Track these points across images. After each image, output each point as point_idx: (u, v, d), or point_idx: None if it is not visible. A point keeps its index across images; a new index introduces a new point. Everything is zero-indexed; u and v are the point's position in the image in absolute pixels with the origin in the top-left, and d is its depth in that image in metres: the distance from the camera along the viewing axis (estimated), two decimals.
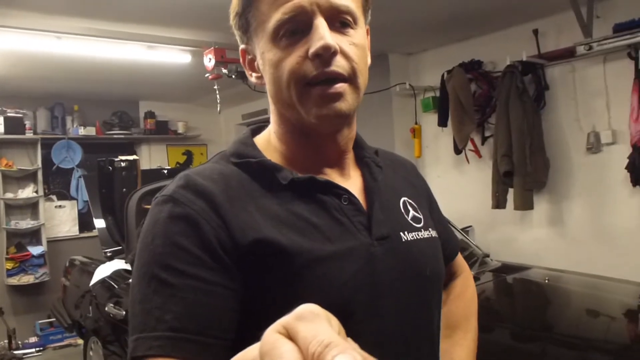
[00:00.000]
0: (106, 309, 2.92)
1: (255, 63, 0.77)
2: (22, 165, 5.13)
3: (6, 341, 4.81)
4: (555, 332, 2.01)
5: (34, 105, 5.28)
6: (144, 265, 0.66)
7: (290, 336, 0.30)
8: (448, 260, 0.94)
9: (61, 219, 5.43)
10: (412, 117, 4.38)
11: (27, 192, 5.12)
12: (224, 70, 3.72)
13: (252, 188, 0.72)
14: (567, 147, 3.53)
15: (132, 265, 2.75)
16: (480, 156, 3.98)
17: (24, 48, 3.48)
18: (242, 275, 0.66)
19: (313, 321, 0.30)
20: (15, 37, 3.26)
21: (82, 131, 5.40)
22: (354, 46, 0.71)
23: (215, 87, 3.94)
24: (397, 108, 4.39)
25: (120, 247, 3.48)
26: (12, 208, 5.16)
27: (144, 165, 5.35)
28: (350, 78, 0.70)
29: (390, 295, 0.74)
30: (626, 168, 3.13)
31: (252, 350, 0.32)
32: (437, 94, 4.10)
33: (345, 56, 0.70)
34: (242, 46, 0.79)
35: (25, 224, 5.12)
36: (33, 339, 4.96)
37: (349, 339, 0.31)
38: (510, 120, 3.46)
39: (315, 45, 0.67)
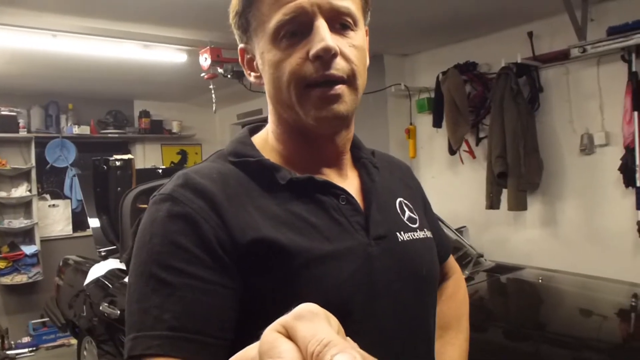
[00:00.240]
0: (100, 308, 2.91)
1: (255, 63, 0.77)
2: (15, 164, 5.10)
3: None
4: (548, 331, 2.02)
5: (28, 104, 5.25)
6: (141, 263, 0.66)
7: (289, 335, 0.30)
8: (440, 262, 0.94)
9: (55, 218, 5.40)
10: (407, 117, 4.39)
11: (20, 191, 5.09)
12: (220, 70, 3.72)
13: (251, 187, 0.72)
14: (560, 149, 3.55)
15: (126, 265, 2.75)
16: (474, 157, 4.00)
17: (19, 46, 3.46)
18: (241, 274, 0.66)
19: (312, 320, 0.30)
20: (10, 35, 3.24)
21: (76, 130, 5.37)
22: (353, 48, 0.71)
23: (211, 86, 3.93)
24: (392, 109, 4.40)
25: (114, 247, 3.46)
26: (5, 207, 5.13)
27: (138, 164, 5.32)
28: (350, 80, 0.71)
29: (387, 294, 0.74)
30: (619, 169, 3.15)
31: (251, 349, 0.32)
32: (432, 95, 4.11)
33: (345, 58, 0.70)
34: (241, 45, 0.79)
35: (19, 223, 5.09)
36: (26, 339, 4.93)
37: (348, 338, 0.31)
38: (504, 121, 3.48)
39: (316, 47, 0.67)
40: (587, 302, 2.33)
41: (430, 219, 0.93)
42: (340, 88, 0.70)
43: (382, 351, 0.72)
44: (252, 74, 0.79)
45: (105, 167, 3.66)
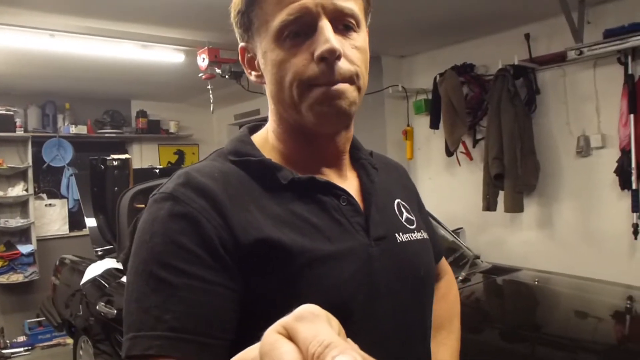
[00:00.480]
0: (97, 307, 2.91)
1: (256, 62, 0.77)
2: (12, 163, 5.09)
3: None
4: (544, 333, 2.03)
5: (25, 103, 5.24)
6: (141, 262, 0.65)
7: (290, 336, 0.30)
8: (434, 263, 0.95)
9: (51, 218, 5.39)
10: (405, 119, 4.40)
11: (17, 190, 5.08)
12: (218, 70, 3.72)
13: (252, 187, 0.72)
14: (557, 151, 3.56)
15: (123, 264, 2.75)
16: (471, 159, 4.00)
17: (17, 45, 3.45)
18: (242, 275, 0.66)
19: (313, 321, 0.30)
20: (7, 34, 3.24)
21: (73, 129, 5.35)
22: (356, 50, 0.71)
23: (209, 87, 3.93)
24: (390, 110, 4.40)
25: (111, 246, 3.46)
26: (2, 206, 5.12)
27: (135, 164, 5.31)
28: (353, 81, 0.71)
29: (387, 295, 0.75)
30: (615, 172, 3.16)
31: (252, 350, 0.32)
32: (430, 96, 4.12)
33: (349, 60, 0.70)
34: (241, 44, 0.78)
35: (15, 222, 5.07)
36: (21, 338, 4.91)
37: (349, 340, 0.31)
38: (501, 123, 3.49)
39: (320, 48, 0.67)
40: (583, 304, 2.34)
41: (424, 220, 0.93)
42: (343, 86, 0.70)
43: (382, 351, 0.72)
44: (253, 72, 0.79)
45: (103, 166, 3.66)
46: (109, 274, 3.15)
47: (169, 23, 3.33)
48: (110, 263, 3.26)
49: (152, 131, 5.95)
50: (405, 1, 3.10)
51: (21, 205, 5.24)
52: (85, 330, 3.22)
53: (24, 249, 5.02)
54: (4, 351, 4.73)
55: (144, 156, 6.02)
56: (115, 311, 2.71)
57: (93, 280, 3.18)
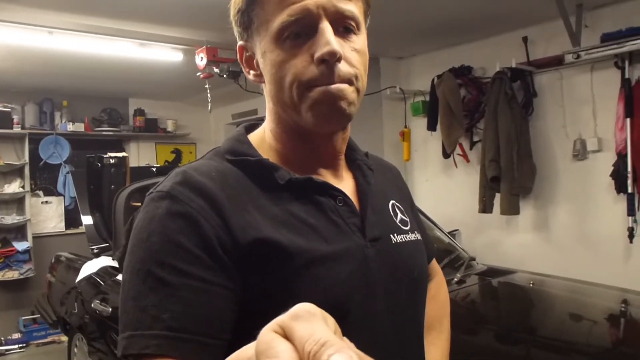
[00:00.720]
0: (92, 305, 2.90)
1: (254, 61, 0.77)
2: (9, 159, 5.07)
3: None
4: (539, 335, 2.03)
5: (23, 100, 5.23)
6: (138, 261, 0.65)
7: (286, 335, 0.30)
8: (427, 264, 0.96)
9: (47, 215, 5.37)
10: (402, 120, 4.41)
11: (13, 187, 5.06)
12: (216, 70, 3.71)
13: (250, 187, 0.72)
14: (553, 154, 3.57)
15: (119, 262, 2.74)
16: (468, 161, 4.01)
17: (15, 42, 3.45)
18: (240, 275, 0.66)
19: (309, 320, 0.30)
20: (6, 31, 3.23)
21: (70, 127, 5.35)
22: (355, 52, 0.72)
23: (207, 86, 3.93)
24: (387, 111, 4.41)
25: (107, 244, 3.45)
26: None
27: (132, 162, 5.30)
28: (352, 82, 0.71)
29: (382, 295, 0.75)
30: (611, 175, 3.18)
31: (248, 349, 0.32)
32: (427, 98, 4.13)
33: (348, 62, 0.70)
34: (240, 42, 0.78)
35: (11, 219, 5.06)
36: (16, 335, 4.90)
37: (345, 338, 0.31)
38: (498, 126, 3.50)
39: (321, 50, 0.67)
40: (578, 306, 2.34)
41: (417, 221, 0.94)
42: (342, 86, 0.70)
43: (377, 351, 0.72)
44: (251, 71, 0.78)
45: (99, 164, 3.64)
46: (104, 271, 3.15)
47: (168, 22, 3.32)
48: (105, 261, 3.25)
49: (149, 130, 5.94)
50: (403, 3, 3.11)
51: (17, 202, 5.23)
52: (80, 328, 3.22)
53: (20, 246, 5.01)
54: None
55: (141, 155, 6.01)
56: (110, 309, 2.71)
57: (88, 278, 3.17)
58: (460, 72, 3.90)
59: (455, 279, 2.42)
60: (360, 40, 0.73)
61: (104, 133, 5.64)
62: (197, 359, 0.61)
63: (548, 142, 3.59)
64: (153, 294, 0.62)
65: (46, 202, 5.39)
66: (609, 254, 3.27)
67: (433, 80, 3.97)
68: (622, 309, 2.29)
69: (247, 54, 0.78)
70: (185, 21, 3.30)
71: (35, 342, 4.90)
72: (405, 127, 4.39)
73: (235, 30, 0.78)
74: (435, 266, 1.05)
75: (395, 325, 0.77)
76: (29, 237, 5.09)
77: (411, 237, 0.84)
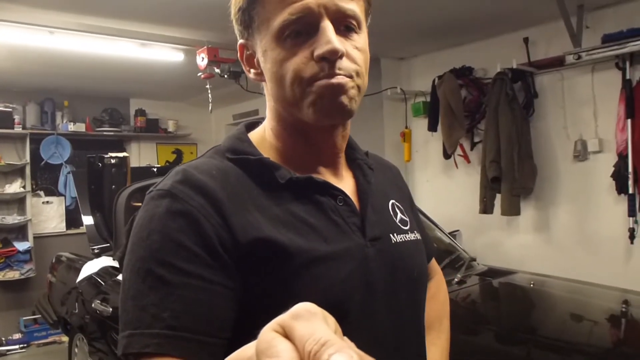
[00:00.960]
0: (92, 305, 2.91)
1: (255, 59, 0.77)
2: (10, 159, 5.08)
3: None
4: (540, 336, 2.03)
5: (24, 100, 5.24)
6: (138, 260, 0.65)
7: (286, 335, 0.30)
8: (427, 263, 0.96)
9: (48, 215, 5.38)
10: (403, 121, 4.40)
11: (14, 187, 5.07)
12: (217, 70, 3.71)
13: (250, 186, 0.72)
14: (554, 155, 3.57)
15: (120, 262, 2.75)
16: (469, 161, 4.01)
17: (16, 42, 3.45)
18: (240, 274, 0.66)
19: (309, 320, 0.30)
20: (7, 31, 3.24)
21: (71, 127, 5.35)
22: (357, 50, 0.72)
23: (207, 86, 3.93)
24: (388, 112, 4.41)
25: (108, 244, 3.46)
26: None
27: (133, 163, 5.32)
28: (353, 78, 0.71)
29: (382, 295, 0.75)
30: (612, 176, 3.17)
31: (249, 348, 0.32)
32: (428, 99, 4.12)
33: (350, 59, 0.70)
34: (241, 41, 0.78)
35: (12, 219, 5.07)
36: (17, 336, 4.90)
37: (345, 338, 0.31)
38: (499, 126, 3.50)
39: (322, 49, 0.67)
40: (579, 307, 2.34)
41: (416, 221, 0.94)
42: (343, 79, 0.69)
43: (378, 350, 0.72)
44: (252, 70, 0.78)
45: (100, 164, 3.65)
46: (105, 272, 3.15)
47: (169, 22, 3.33)
48: (106, 261, 3.26)
49: (150, 130, 5.94)
50: (404, 4, 3.11)
51: (18, 202, 5.23)
52: (80, 328, 3.22)
53: (21, 246, 5.01)
54: None
55: (142, 155, 6.01)
56: (111, 309, 2.71)
57: (89, 278, 3.17)
58: (461, 72, 3.89)
59: (456, 280, 2.42)
60: (361, 39, 0.73)
61: (105, 133, 5.65)
62: (197, 357, 0.61)
63: (549, 142, 3.59)
64: (153, 292, 0.62)
65: (47, 202, 5.39)
66: (610, 255, 3.27)
67: (434, 80, 3.97)
68: (623, 309, 2.29)
69: (248, 52, 0.78)
70: (186, 21, 3.31)
71: (36, 342, 4.90)
72: (406, 127, 4.39)
73: (236, 29, 0.78)
74: (434, 266, 1.05)
75: (395, 324, 0.77)
76: (30, 237, 5.09)
77: (411, 236, 0.84)
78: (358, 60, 0.71)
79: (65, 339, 4.28)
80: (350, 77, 0.70)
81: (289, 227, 0.70)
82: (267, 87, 0.76)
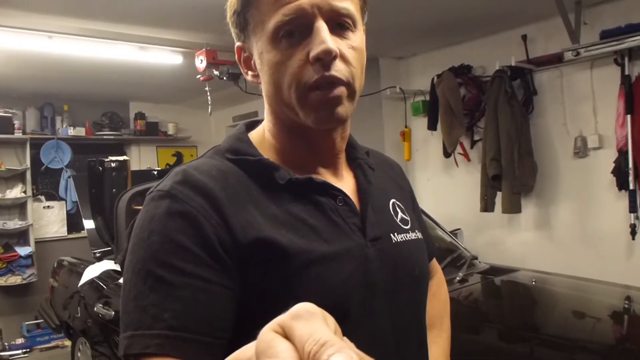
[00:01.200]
0: (95, 309, 2.91)
1: (252, 61, 0.77)
2: (10, 165, 5.08)
3: None
4: (542, 333, 2.03)
5: (23, 105, 5.24)
6: (139, 261, 0.65)
7: (286, 335, 0.30)
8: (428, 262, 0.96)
9: (49, 220, 5.38)
10: (402, 120, 4.40)
11: (15, 192, 5.07)
12: (216, 72, 3.72)
13: (250, 186, 0.72)
14: (554, 152, 3.57)
15: (121, 266, 2.75)
16: (469, 160, 4.01)
17: (15, 47, 3.45)
18: (240, 274, 0.66)
19: (309, 320, 0.30)
20: (6, 36, 3.24)
21: (71, 131, 5.36)
22: (352, 50, 0.71)
23: (207, 88, 3.93)
24: (387, 111, 4.41)
25: (109, 248, 3.46)
26: (0, 208, 5.12)
27: (134, 166, 5.33)
28: (349, 82, 0.71)
29: (383, 295, 0.75)
30: (612, 172, 3.17)
31: (248, 349, 0.32)
32: (427, 97, 4.12)
33: (344, 60, 0.70)
34: (238, 43, 0.78)
35: (13, 224, 5.07)
36: (20, 341, 4.91)
37: (345, 338, 0.31)
38: (499, 124, 3.50)
39: (316, 49, 0.67)
40: (581, 304, 2.34)
41: (417, 219, 0.93)
42: (339, 90, 0.70)
43: (378, 350, 0.72)
44: (250, 72, 0.79)
45: (101, 168, 3.65)
46: (106, 275, 3.15)
47: (167, 25, 3.33)
48: (108, 265, 3.26)
49: (150, 133, 5.95)
50: (402, 3, 3.11)
51: (19, 207, 5.24)
52: (83, 332, 3.22)
53: (22, 251, 5.01)
54: (2, 353, 4.72)
55: (142, 158, 6.01)
56: (113, 313, 2.71)
57: (91, 282, 3.17)
58: (460, 71, 3.89)
59: (458, 278, 2.42)
60: (357, 37, 0.73)
61: (105, 137, 5.66)
62: (198, 358, 0.61)
63: (549, 140, 3.59)
64: (154, 293, 0.62)
65: (48, 206, 5.39)
66: (611, 251, 3.27)
67: (433, 79, 3.97)
68: (625, 305, 2.29)
69: (245, 54, 0.78)
70: (185, 24, 3.31)
71: (39, 347, 4.91)
72: (406, 127, 4.39)
73: (232, 32, 0.78)
74: (435, 264, 1.05)
75: (396, 324, 0.77)
76: (32, 242, 5.10)
77: (412, 236, 0.84)
78: (353, 60, 0.71)
79: (67, 343, 4.28)
80: (345, 82, 0.70)
81: (288, 227, 0.70)
82: (264, 89, 0.76)
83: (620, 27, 2.99)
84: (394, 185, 0.92)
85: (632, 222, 3.11)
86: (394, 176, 0.95)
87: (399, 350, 0.77)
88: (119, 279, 2.98)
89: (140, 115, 5.89)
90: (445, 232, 2.87)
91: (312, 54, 0.67)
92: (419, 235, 0.87)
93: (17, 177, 5.15)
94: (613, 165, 3.16)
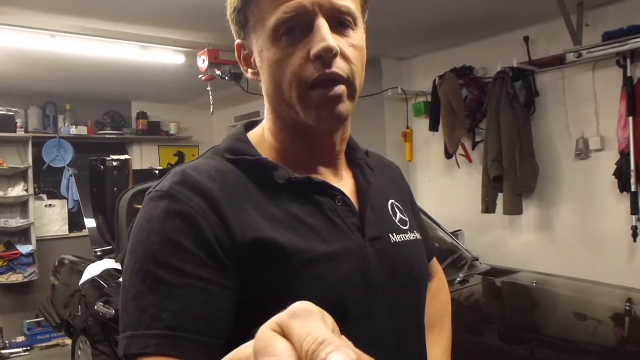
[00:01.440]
0: (95, 307, 2.91)
1: (252, 59, 0.77)
2: (12, 163, 5.09)
3: None
4: (543, 335, 2.03)
5: (26, 104, 5.25)
6: (137, 261, 0.65)
7: (284, 333, 0.30)
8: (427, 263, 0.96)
9: (51, 218, 5.39)
10: (404, 121, 4.40)
11: (17, 191, 5.08)
12: (217, 72, 3.72)
13: (249, 186, 0.72)
14: (556, 153, 3.57)
15: (122, 265, 2.74)
16: (470, 161, 4.01)
17: (17, 45, 3.46)
18: (238, 274, 0.66)
19: (307, 319, 0.30)
20: (8, 35, 3.24)
21: (73, 130, 5.37)
22: (352, 48, 0.71)
23: (208, 88, 3.94)
24: (389, 112, 4.41)
25: (110, 247, 3.46)
26: (2, 206, 5.13)
27: (135, 165, 5.32)
28: (349, 80, 0.70)
29: (381, 295, 0.75)
30: (614, 174, 3.17)
31: (246, 347, 0.32)
32: (429, 98, 4.12)
33: (345, 58, 0.70)
34: (238, 41, 0.78)
35: (15, 222, 5.08)
36: (20, 339, 4.91)
37: (343, 337, 0.31)
38: (500, 125, 3.49)
39: (316, 47, 0.67)
40: (582, 305, 2.34)
41: (416, 220, 0.93)
42: (340, 88, 0.69)
43: (377, 350, 0.72)
44: (249, 70, 0.79)
45: (102, 167, 3.66)
46: (107, 274, 3.15)
47: (169, 24, 3.33)
48: (109, 263, 3.26)
49: (152, 132, 5.96)
50: (404, 3, 3.11)
51: (21, 206, 5.25)
52: (83, 331, 3.22)
53: (24, 249, 5.02)
54: (2, 351, 4.73)
55: (144, 157, 6.02)
56: (114, 311, 2.71)
57: (92, 281, 3.18)
58: (461, 72, 3.89)
59: (458, 279, 2.42)
60: (357, 35, 0.73)
61: (106, 136, 5.66)
62: (197, 357, 0.61)
63: (550, 141, 3.59)
64: (152, 293, 0.62)
65: (49, 205, 5.40)
66: (613, 253, 3.26)
67: (434, 80, 3.97)
68: (627, 307, 2.29)
69: (245, 52, 0.78)
70: (187, 23, 3.31)
71: (40, 345, 4.91)
72: (407, 127, 4.38)
73: (232, 29, 0.78)
74: (436, 265, 1.05)
75: (395, 324, 0.77)
76: (33, 240, 5.10)
77: (410, 236, 0.84)
78: (353, 58, 0.71)
79: (68, 341, 4.28)
80: (346, 80, 0.70)
81: (287, 227, 0.70)
82: (264, 87, 0.76)
83: (622, 28, 2.99)
84: (392, 186, 0.92)
85: (634, 224, 3.10)
86: (393, 177, 0.95)
87: (398, 350, 0.77)
88: (119, 277, 2.97)
89: (142, 115, 5.90)
90: (446, 233, 2.86)
91: (313, 51, 0.67)
92: (418, 235, 0.87)
93: (19, 175, 5.15)
94: (615, 167, 3.16)
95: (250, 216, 0.69)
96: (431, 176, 4.38)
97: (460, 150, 3.95)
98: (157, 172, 4.09)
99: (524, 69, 3.55)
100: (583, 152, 3.38)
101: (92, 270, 3.27)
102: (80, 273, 3.36)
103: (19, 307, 5.07)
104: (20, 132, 5.07)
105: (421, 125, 4.32)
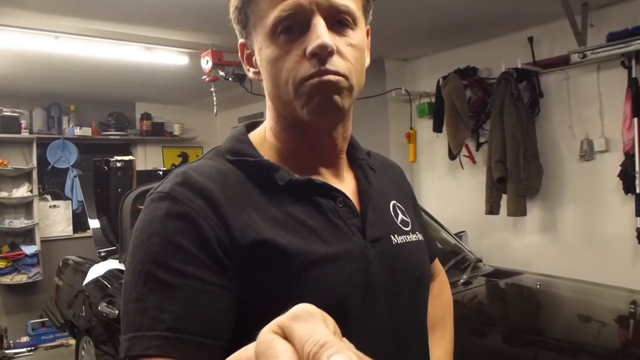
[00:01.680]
0: (99, 308, 2.92)
1: (254, 58, 0.77)
2: (17, 164, 5.12)
3: None
4: (547, 337, 2.02)
5: (30, 105, 5.28)
6: (139, 262, 0.65)
7: (285, 336, 0.30)
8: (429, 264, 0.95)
9: (55, 219, 5.41)
10: (408, 122, 4.40)
11: (21, 192, 5.10)
12: (221, 73, 3.73)
13: (249, 188, 0.72)
14: (560, 154, 3.56)
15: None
16: (474, 162, 4.00)
17: (22, 47, 3.47)
18: (240, 275, 0.66)
19: (308, 321, 0.30)
20: (13, 36, 3.26)
21: (78, 131, 5.39)
22: (351, 47, 0.71)
23: (212, 89, 3.94)
24: (393, 113, 4.40)
25: (114, 247, 3.47)
26: (6, 207, 5.15)
27: (139, 166, 5.33)
28: (345, 76, 0.70)
29: (383, 296, 0.75)
30: (618, 176, 3.15)
31: (248, 350, 0.32)
32: (433, 99, 4.12)
33: (342, 56, 0.70)
34: (241, 40, 0.79)
35: (19, 223, 5.10)
36: (24, 339, 4.93)
37: (344, 339, 0.31)
38: (504, 126, 3.48)
39: (312, 45, 0.67)
40: (586, 308, 2.33)
41: (418, 221, 0.93)
42: (335, 77, 0.69)
43: (378, 351, 0.72)
44: (251, 69, 0.79)
45: (106, 168, 3.67)
46: (111, 275, 3.16)
47: (173, 26, 3.34)
48: (112, 264, 3.27)
49: (156, 133, 5.98)
50: (408, 4, 3.11)
51: (25, 206, 5.27)
52: (87, 331, 3.23)
53: (28, 249, 5.04)
54: (7, 351, 4.74)
55: (148, 158, 6.04)
56: (117, 312, 2.72)
57: (96, 281, 3.19)
58: (465, 73, 3.89)
59: (462, 281, 2.41)
60: (357, 35, 0.72)
61: (111, 137, 5.68)
62: (198, 359, 0.61)
63: (555, 142, 3.57)
64: (153, 295, 0.62)
65: (54, 206, 5.43)
66: (617, 255, 3.25)
67: (438, 81, 3.96)
68: (631, 310, 2.27)
69: (247, 51, 0.79)
70: (191, 25, 3.32)
71: (44, 345, 4.93)
72: (411, 128, 4.38)
73: (235, 29, 0.79)
74: (438, 266, 1.05)
75: (396, 326, 0.77)
76: (37, 241, 5.12)
77: (412, 237, 0.84)
78: (351, 57, 0.71)
79: (72, 341, 4.29)
80: (343, 76, 0.69)
81: (288, 229, 0.70)
82: (265, 86, 0.76)
83: (627, 29, 2.98)
84: (394, 187, 0.91)
85: (639, 226, 3.09)
86: (395, 178, 0.94)
87: (399, 351, 0.77)
88: (123, 278, 2.98)
89: (146, 116, 5.92)
90: (450, 235, 2.86)
91: (309, 49, 0.68)
92: (420, 237, 0.87)
93: (23, 176, 5.18)
94: (619, 168, 3.15)
95: (251, 218, 0.68)
96: (435, 177, 4.37)
97: (464, 151, 3.94)
98: (161, 173, 4.10)
99: (529, 70, 3.54)
100: (588, 153, 3.37)
101: (96, 270, 3.28)
102: (85, 274, 3.37)
103: (24, 307, 5.09)
104: (25, 134, 5.09)
105: (425, 126, 4.32)
